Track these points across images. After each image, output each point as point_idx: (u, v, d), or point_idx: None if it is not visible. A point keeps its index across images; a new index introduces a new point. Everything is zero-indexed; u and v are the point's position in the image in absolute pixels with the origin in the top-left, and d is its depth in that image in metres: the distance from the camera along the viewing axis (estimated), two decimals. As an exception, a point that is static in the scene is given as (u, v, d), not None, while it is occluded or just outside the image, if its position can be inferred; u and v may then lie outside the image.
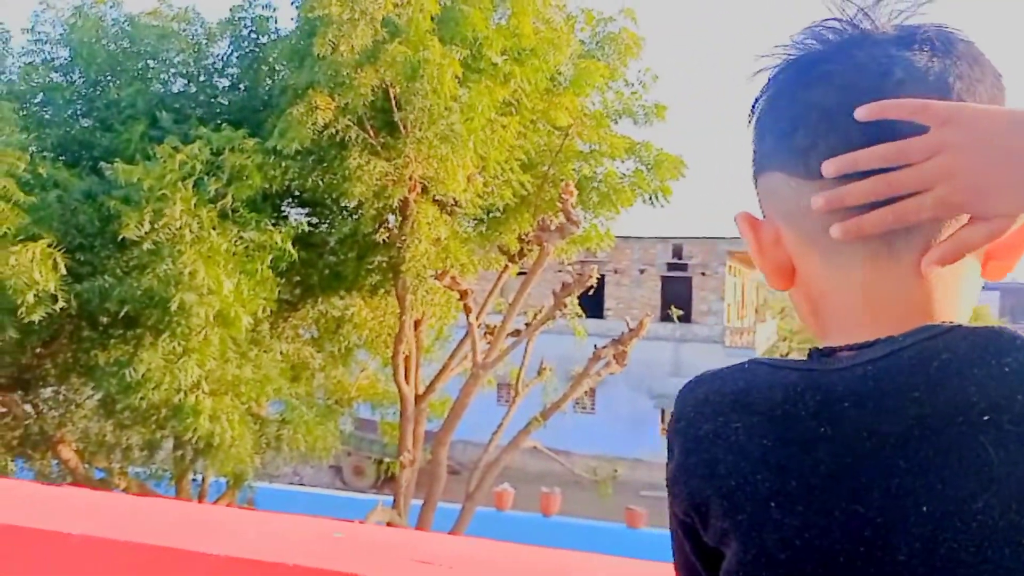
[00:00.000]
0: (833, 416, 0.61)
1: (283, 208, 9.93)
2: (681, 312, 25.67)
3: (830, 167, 0.64)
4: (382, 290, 10.36)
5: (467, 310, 9.41)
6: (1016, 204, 0.61)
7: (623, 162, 10.34)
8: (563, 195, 8.66)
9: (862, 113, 0.62)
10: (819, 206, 0.65)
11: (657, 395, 27.37)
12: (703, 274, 27.24)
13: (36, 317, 7.51)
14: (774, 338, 35.29)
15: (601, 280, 25.27)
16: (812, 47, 0.69)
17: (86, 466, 9.85)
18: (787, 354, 40.96)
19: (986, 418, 0.56)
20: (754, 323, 31.85)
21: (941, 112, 0.61)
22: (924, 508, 0.56)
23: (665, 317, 25.42)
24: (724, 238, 27.05)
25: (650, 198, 10.17)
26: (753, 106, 0.73)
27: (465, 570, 1.27)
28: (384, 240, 9.18)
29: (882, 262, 0.66)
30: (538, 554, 1.44)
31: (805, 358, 0.67)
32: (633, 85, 10.47)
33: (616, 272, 27.90)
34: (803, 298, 0.73)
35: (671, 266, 27.69)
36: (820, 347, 0.68)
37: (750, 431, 0.64)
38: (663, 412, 27.69)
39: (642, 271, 27.98)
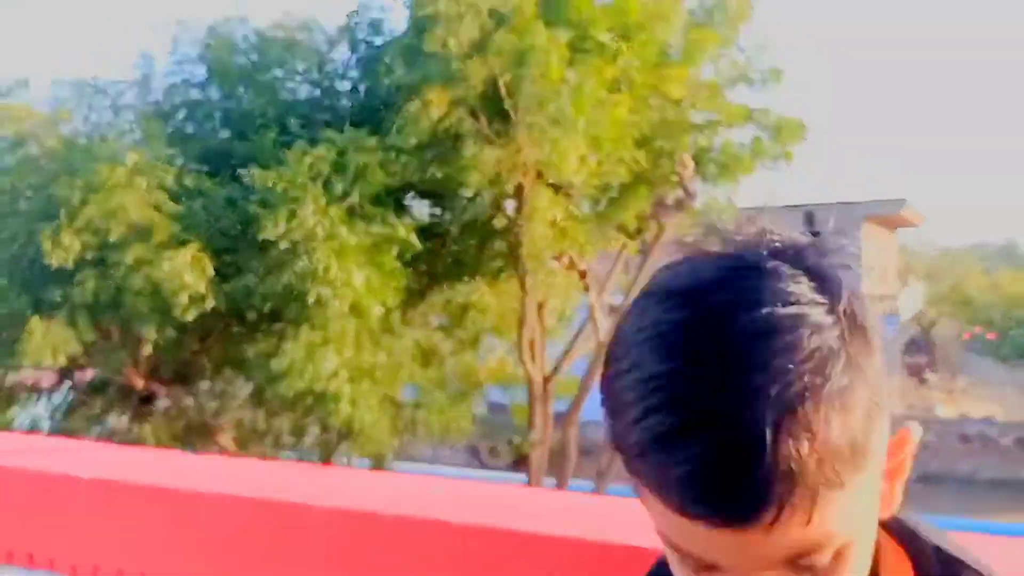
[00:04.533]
0: None
1: (405, 201, 10.30)
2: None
3: None
4: (504, 275, 10.58)
5: (587, 290, 9.49)
6: None
7: (741, 130, 10.10)
8: (678, 169, 8.59)
9: None
10: None
11: (795, 368, 26.43)
12: (839, 240, 26.02)
13: (190, 316, 8.20)
14: (920, 303, 33.38)
15: (730, 253, 24.55)
16: None
17: (242, 452, 10.63)
18: (934, 322, 38.52)
19: None
20: (899, 288, 30.25)
21: None
22: None
23: (799, 288, 24.47)
24: (859, 202, 25.73)
25: (773, 164, 9.91)
26: None
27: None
28: (503, 226, 9.39)
29: None
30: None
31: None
32: (746, 51, 10.21)
33: (745, 244, 27.08)
34: None
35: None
36: None
37: None
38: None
39: (773, 241, 27.02)
